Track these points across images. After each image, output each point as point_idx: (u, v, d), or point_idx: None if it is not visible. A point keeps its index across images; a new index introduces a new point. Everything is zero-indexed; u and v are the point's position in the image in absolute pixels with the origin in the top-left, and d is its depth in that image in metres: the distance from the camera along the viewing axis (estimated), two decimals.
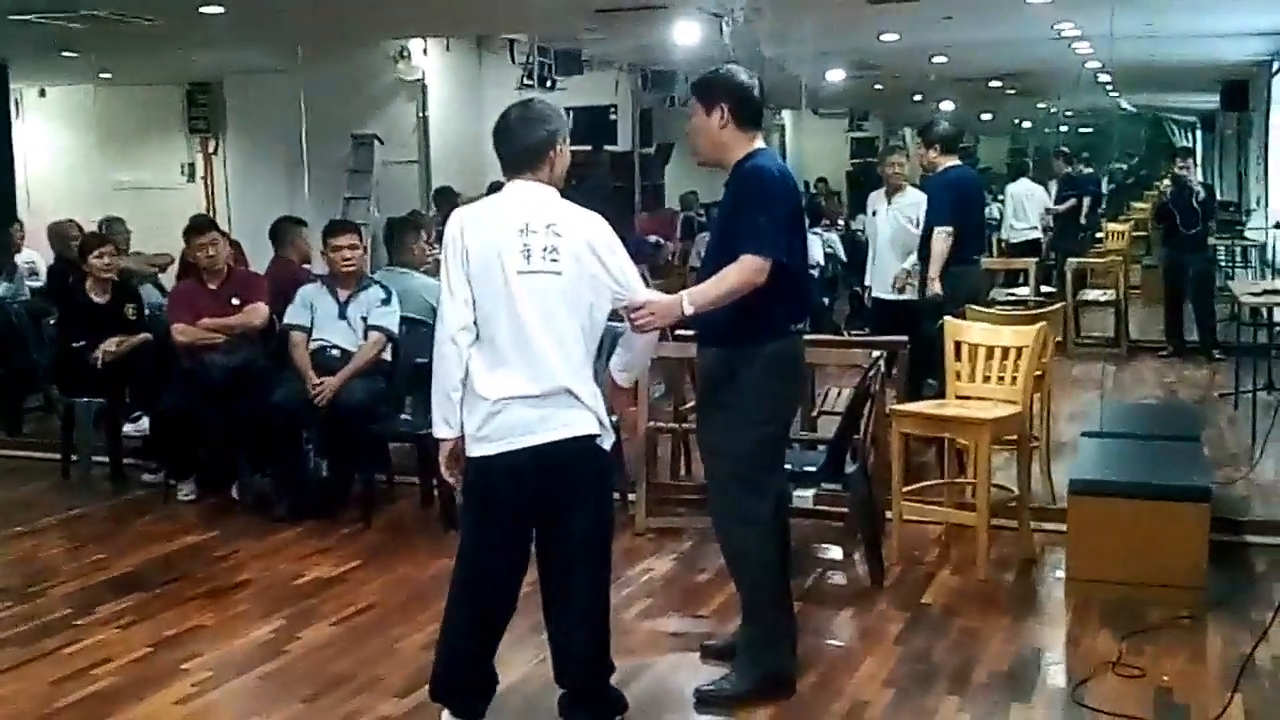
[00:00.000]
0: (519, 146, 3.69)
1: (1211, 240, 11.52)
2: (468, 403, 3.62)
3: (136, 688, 4.32)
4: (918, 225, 7.53)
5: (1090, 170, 15.79)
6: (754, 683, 4.13)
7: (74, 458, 7.18)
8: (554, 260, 3.58)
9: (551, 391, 3.58)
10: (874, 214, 8.32)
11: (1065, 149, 15.15)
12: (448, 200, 10.53)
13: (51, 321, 7.78)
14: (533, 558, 3.78)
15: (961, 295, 6.89)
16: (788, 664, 4.24)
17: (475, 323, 3.59)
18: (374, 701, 4.19)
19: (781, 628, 4.21)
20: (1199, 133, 22.81)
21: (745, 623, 4.23)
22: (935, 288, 7.17)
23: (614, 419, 3.88)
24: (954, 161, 7.47)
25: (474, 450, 3.63)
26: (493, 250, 3.57)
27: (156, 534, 6.16)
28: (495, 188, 3.82)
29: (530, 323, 3.57)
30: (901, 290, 7.68)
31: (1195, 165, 11.89)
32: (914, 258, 7.55)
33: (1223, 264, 13.38)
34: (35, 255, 10.06)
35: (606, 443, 3.73)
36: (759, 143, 4.11)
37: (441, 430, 3.67)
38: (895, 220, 7.91)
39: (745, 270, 3.87)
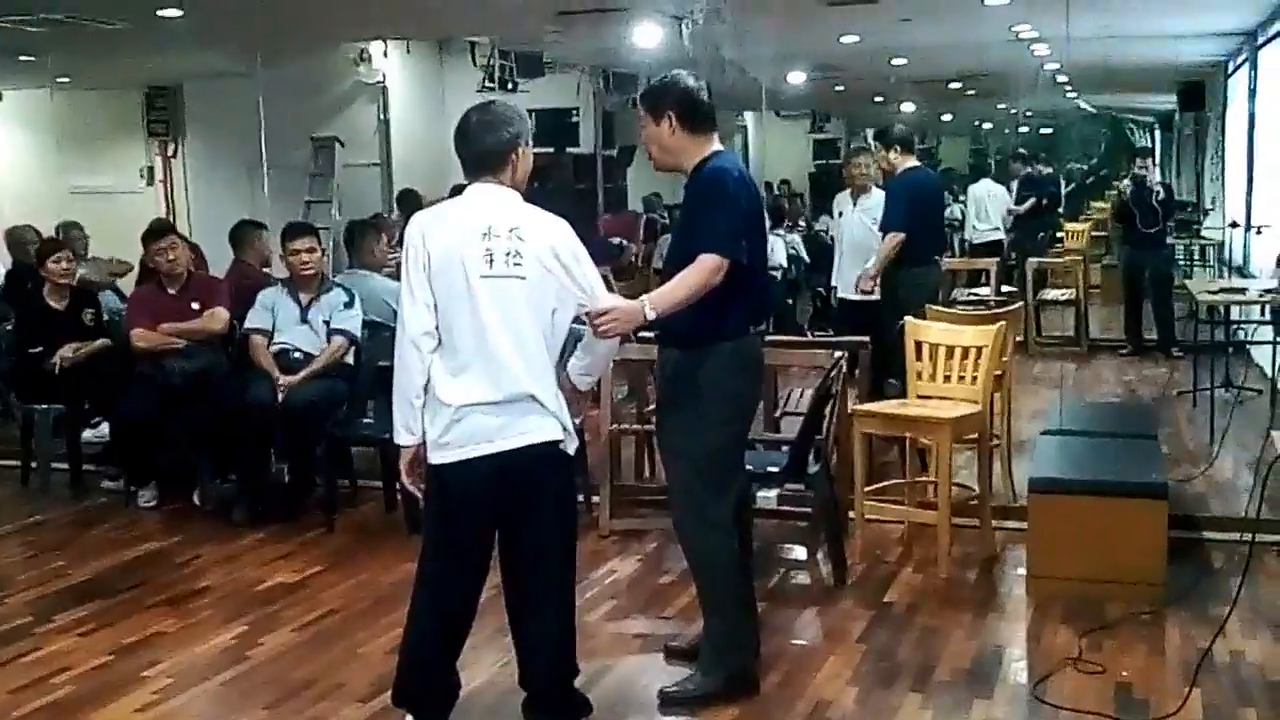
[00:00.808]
0: (480, 150, 3.66)
1: (1170, 239, 11.62)
2: (430, 409, 3.60)
3: (97, 695, 4.28)
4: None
5: (1050, 170, 15.90)
6: (718, 683, 4.14)
7: (33, 464, 7.12)
8: (517, 264, 3.56)
9: (514, 397, 3.57)
10: (839, 215, 8.36)
11: (1023, 150, 15.26)
12: (411, 204, 10.50)
13: (9, 328, 7.71)
14: (496, 561, 3.77)
15: (921, 296, 6.92)
16: (751, 664, 4.25)
17: (437, 327, 3.58)
18: (337, 707, 4.17)
19: (744, 627, 4.23)
20: (1157, 133, 23.01)
21: (708, 623, 4.24)
22: (868, 285, 7.26)
23: (578, 422, 3.87)
24: (914, 163, 7.54)
25: (435, 457, 3.62)
26: (454, 254, 3.56)
27: (117, 540, 6.12)
28: (458, 190, 3.80)
29: (492, 327, 3.55)
30: (865, 291, 7.72)
31: (1154, 165, 11.98)
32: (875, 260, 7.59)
33: (1181, 263, 13.48)
34: None
35: (570, 448, 3.73)
36: (715, 144, 4.11)
37: (403, 437, 3.66)
38: (860, 221, 7.94)
39: (703, 270, 3.88)
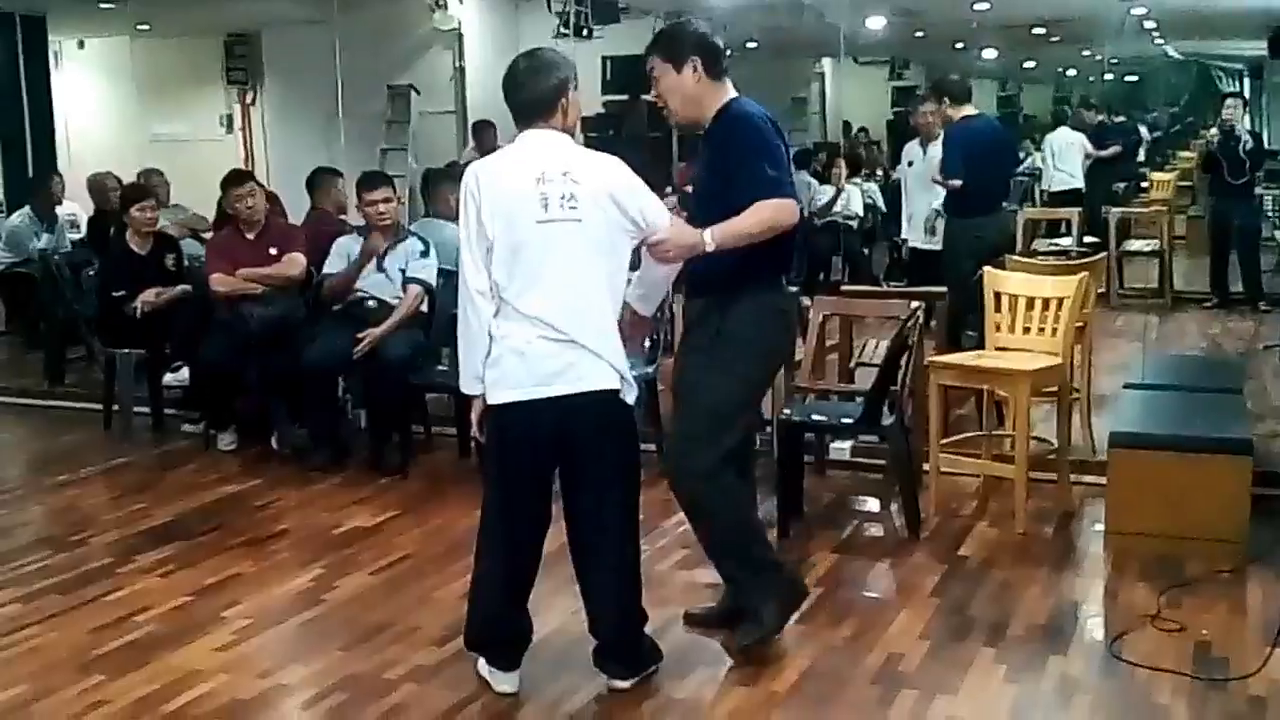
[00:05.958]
0: (529, 96, 3.66)
1: (1258, 190, 11.33)
2: (491, 351, 3.60)
3: (176, 635, 4.36)
4: None
5: (1124, 119, 15.55)
6: (775, 612, 4.09)
7: (115, 408, 7.24)
8: (573, 208, 3.55)
9: (571, 343, 3.56)
10: (909, 164, 8.26)
11: (1093, 101, 14.93)
12: (485, 135, 10.26)
13: (92, 273, 7.82)
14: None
15: (980, 248, 6.76)
16: (787, 578, 4.21)
17: (495, 275, 3.57)
18: (410, 650, 4.21)
19: (757, 555, 4.11)
20: (1246, 80, 22.42)
21: (721, 569, 4.17)
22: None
23: (650, 370, 3.84)
24: (969, 111, 7.37)
25: (495, 397, 3.62)
26: (509, 201, 3.55)
27: (196, 483, 6.22)
28: None
29: (550, 273, 3.55)
30: (931, 232, 7.65)
31: (1243, 112, 11.63)
32: (940, 202, 7.53)
33: (1269, 214, 13.17)
34: (75, 207, 10.13)
35: (630, 397, 3.71)
36: (731, 90, 4.00)
37: (472, 386, 3.67)
38: (929, 169, 7.84)
39: (779, 208, 3.78)
